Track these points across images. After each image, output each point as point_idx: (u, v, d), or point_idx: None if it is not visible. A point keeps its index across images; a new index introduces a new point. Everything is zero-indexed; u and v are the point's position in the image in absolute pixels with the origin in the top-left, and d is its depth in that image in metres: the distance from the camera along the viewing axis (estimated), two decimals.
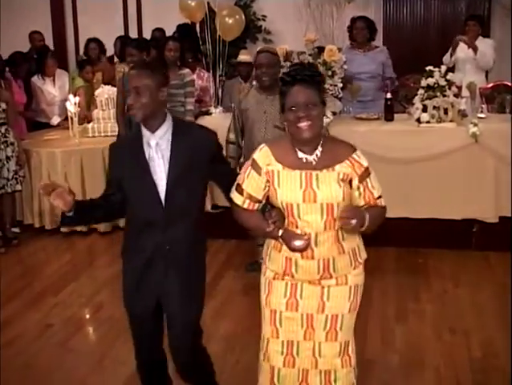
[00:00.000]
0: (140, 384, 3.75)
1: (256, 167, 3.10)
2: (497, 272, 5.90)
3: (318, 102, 3.01)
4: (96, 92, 7.77)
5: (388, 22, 9.99)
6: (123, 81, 6.55)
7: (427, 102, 6.18)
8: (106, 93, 7.65)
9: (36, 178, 7.09)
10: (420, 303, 5.23)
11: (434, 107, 6.15)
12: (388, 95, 6.46)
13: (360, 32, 7.32)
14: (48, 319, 5.16)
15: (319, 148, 3.05)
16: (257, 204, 3.18)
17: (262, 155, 3.10)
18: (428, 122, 6.15)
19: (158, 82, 3.22)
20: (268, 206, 3.17)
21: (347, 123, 6.43)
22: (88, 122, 7.80)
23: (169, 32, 8.65)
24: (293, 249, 3.06)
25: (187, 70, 6.83)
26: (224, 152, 3.99)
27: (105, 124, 7.57)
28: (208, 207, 6.76)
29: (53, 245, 6.83)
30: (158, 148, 3.25)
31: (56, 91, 8.25)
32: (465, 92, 7.02)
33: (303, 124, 2.96)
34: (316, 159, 3.05)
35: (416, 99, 6.26)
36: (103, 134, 7.54)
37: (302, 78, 2.98)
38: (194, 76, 7.03)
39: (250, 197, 3.15)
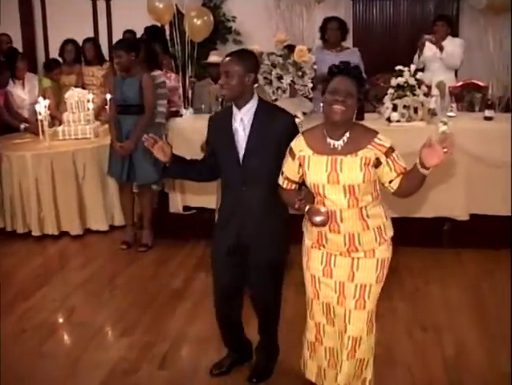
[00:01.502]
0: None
1: (291, 153, 3.60)
2: (468, 269, 5.95)
3: (355, 94, 3.41)
4: (66, 95, 7.70)
5: (357, 22, 10.01)
6: (115, 83, 6.52)
7: (397, 101, 6.22)
8: (76, 96, 7.60)
9: (7, 182, 7.03)
10: (392, 301, 5.25)
11: (404, 106, 6.20)
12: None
13: (334, 32, 7.36)
14: (21, 324, 5.10)
15: (347, 135, 3.46)
16: (294, 185, 3.70)
17: (297, 143, 3.58)
18: (398, 121, 6.19)
19: (246, 68, 3.79)
20: (302, 187, 3.67)
21: (317, 123, 6.44)
22: (60, 124, 7.74)
23: (139, 34, 8.66)
24: (314, 224, 3.49)
25: (158, 73, 6.80)
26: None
27: (75, 127, 7.50)
28: (179, 208, 6.76)
29: (24, 248, 6.77)
30: (242, 122, 3.85)
31: (26, 94, 8.16)
32: (434, 91, 7.09)
33: (337, 107, 3.37)
34: (342, 144, 3.46)
35: (387, 99, 6.30)
36: (73, 137, 7.47)
37: (347, 71, 3.43)
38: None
39: (287, 178, 3.68)
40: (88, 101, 7.65)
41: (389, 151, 3.44)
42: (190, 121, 6.76)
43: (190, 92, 7.37)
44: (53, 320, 5.27)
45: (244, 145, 3.84)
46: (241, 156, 3.85)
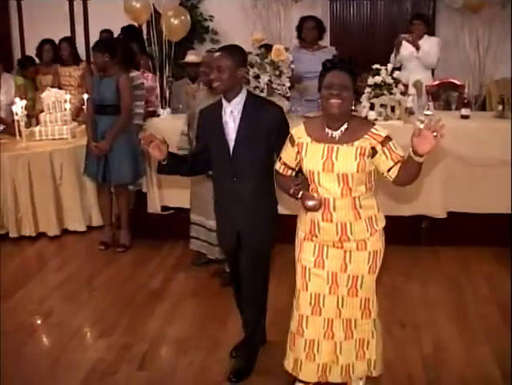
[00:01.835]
0: None
1: (291, 139, 3.75)
2: (446, 266, 6.01)
3: (350, 87, 3.55)
4: (43, 95, 7.66)
5: (335, 21, 10.05)
6: (93, 82, 6.51)
7: (374, 100, 6.24)
8: (53, 96, 7.56)
9: None
10: None
11: (381, 105, 6.22)
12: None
13: (310, 32, 7.37)
14: None
15: (345, 126, 3.60)
16: (290, 171, 3.86)
17: (297, 130, 3.74)
18: (375, 120, 6.19)
19: (237, 62, 3.94)
20: (299, 174, 3.81)
21: (295, 123, 6.44)
22: (36, 124, 7.69)
23: (116, 34, 8.63)
24: (306, 208, 3.64)
25: (137, 74, 6.78)
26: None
27: (52, 128, 7.46)
28: (157, 208, 6.74)
29: (2, 250, 6.70)
30: (232, 115, 3.99)
31: (2, 95, 8.10)
32: (411, 90, 7.11)
33: (334, 101, 3.52)
34: (340, 134, 3.61)
35: (364, 98, 6.31)
36: (50, 137, 7.42)
37: (341, 65, 3.57)
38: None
39: (285, 164, 3.83)
40: (65, 101, 7.61)
41: (385, 140, 3.56)
42: (167, 121, 6.73)
43: (167, 92, 7.35)
44: (31, 321, 5.23)
45: (234, 137, 3.98)
46: (231, 147, 3.99)
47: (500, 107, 6.67)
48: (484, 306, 5.21)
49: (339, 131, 3.60)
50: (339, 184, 3.59)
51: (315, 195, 3.62)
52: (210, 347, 4.64)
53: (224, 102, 4.02)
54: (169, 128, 6.32)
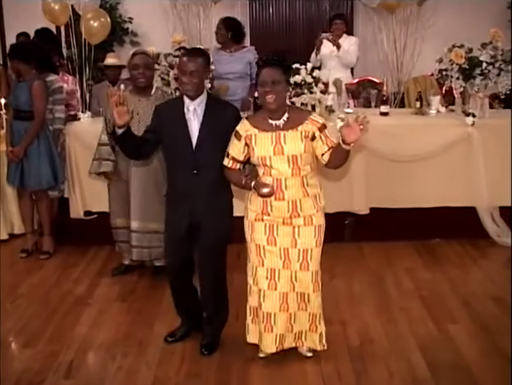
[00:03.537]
0: None
1: (237, 135, 4.13)
2: (369, 261, 6.12)
3: (282, 80, 3.98)
4: None
5: (254, 22, 10.12)
6: (12, 87, 6.38)
7: (295, 99, 6.28)
8: None
9: None
10: None
11: (302, 104, 6.27)
12: (256, 94, 6.50)
13: (219, 33, 7.36)
14: None
15: (286, 115, 4.05)
16: (238, 165, 4.22)
17: (242, 126, 4.14)
18: None
19: (204, 66, 4.32)
20: (246, 165, 4.23)
21: None
22: None
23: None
24: (261, 195, 4.02)
25: (55, 78, 6.66)
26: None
27: None
28: (80, 213, 6.63)
29: None
30: (195, 112, 4.31)
31: None
32: (331, 88, 7.18)
33: (269, 97, 3.94)
34: (283, 123, 4.05)
35: None
36: None
37: (270, 61, 3.97)
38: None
39: (233, 159, 4.20)
40: None
41: (322, 127, 4.05)
42: (87, 124, 6.66)
43: (87, 95, 7.25)
44: None
45: (197, 133, 4.29)
46: (194, 143, 4.29)
47: (418, 104, 6.83)
48: (407, 299, 5.32)
49: (281, 120, 4.04)
50: (289, 165, 4.02)
51: (267, 181, 4.04)
52: (138, 351, 4.60)
53: (186, 100, 4.32)
54: (90, 132, 6.26)
